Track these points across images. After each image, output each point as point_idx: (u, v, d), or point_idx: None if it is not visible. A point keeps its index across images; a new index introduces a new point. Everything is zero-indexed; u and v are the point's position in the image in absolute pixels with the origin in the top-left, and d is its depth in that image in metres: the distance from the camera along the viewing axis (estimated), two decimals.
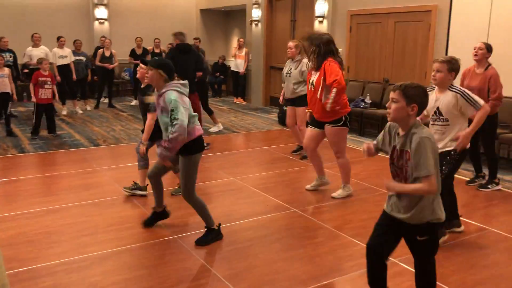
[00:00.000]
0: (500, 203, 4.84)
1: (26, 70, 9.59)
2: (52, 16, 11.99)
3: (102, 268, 3.31)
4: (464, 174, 5.67)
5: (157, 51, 11.13)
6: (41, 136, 7.52)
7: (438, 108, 3.59)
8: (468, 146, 3.64)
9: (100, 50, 10.50)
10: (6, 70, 7.65)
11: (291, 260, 3.48)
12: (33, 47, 9.36)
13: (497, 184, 5.21)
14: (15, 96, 7.89)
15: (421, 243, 2.52)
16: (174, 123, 3.33)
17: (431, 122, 3.69)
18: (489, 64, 4.96)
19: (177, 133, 3.33)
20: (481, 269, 3.39)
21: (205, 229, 3.75)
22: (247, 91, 12.31)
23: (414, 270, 2.66)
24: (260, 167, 6.15)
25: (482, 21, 6.58)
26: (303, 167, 6.02)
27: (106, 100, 10.96)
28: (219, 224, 3.79)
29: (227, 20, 14.43)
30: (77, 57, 9.91)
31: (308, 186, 5.04)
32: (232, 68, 12.37)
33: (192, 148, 3.53)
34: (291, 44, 6.17)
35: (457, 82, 4.22)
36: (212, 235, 3.73)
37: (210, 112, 8.08)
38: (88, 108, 10.36)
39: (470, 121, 3.66)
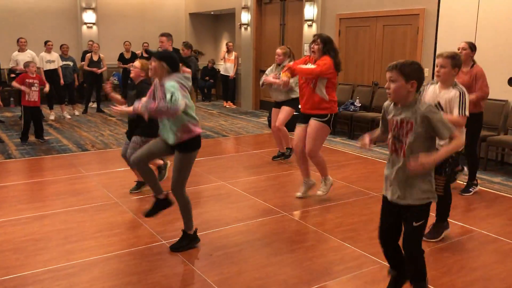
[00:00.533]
0: (488, 204, 4.87)
1: (12, 75, 9.47)
2: (40, 20, 11.89)
3: (90, 275, 3.27)
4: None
5: (145, 55, 11.07)
6: (29, 142, 7.43)
7: (439, 103, 3.60)
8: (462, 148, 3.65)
9: (88, 55, 10.41)
10: None
11: (281, 264, 3.46)
12: (19, 51, 9.19)
13: (476, 185, 5.22)
14: (0, 102, 7.79)
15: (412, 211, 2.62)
16: (172, 100, 3.22)
17: None
18: (474, 62, 5.00)
19: (169, 109, 3.23)
20: (471, 271, 3.40)
21: (182, 233, 3.72)
22: (236, 95, 12.31)
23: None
24: (250, 171, 6.14)
25: (469, 24, 6.64)
26: (293, 170, 6.01)
27: (95, 105, 10.88)
28: (196, 229, 3.75)
29: (216, 23, 14.42)
30: (65, 62, 9.83)
31: (298, 194, 5.02)
32: (221, 72, 12.36)
33: (190, 145, 3.52)
34: (279, 51, 6.26)
35: None
36: (187, 240, 3.71)
37: None
38: (76, 113, 10.28)
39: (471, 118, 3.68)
